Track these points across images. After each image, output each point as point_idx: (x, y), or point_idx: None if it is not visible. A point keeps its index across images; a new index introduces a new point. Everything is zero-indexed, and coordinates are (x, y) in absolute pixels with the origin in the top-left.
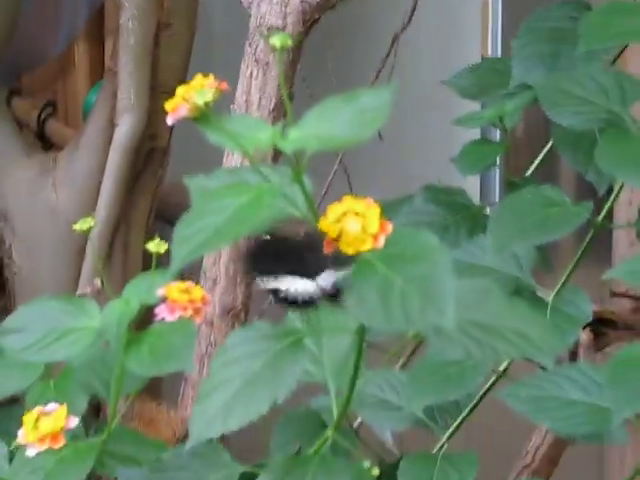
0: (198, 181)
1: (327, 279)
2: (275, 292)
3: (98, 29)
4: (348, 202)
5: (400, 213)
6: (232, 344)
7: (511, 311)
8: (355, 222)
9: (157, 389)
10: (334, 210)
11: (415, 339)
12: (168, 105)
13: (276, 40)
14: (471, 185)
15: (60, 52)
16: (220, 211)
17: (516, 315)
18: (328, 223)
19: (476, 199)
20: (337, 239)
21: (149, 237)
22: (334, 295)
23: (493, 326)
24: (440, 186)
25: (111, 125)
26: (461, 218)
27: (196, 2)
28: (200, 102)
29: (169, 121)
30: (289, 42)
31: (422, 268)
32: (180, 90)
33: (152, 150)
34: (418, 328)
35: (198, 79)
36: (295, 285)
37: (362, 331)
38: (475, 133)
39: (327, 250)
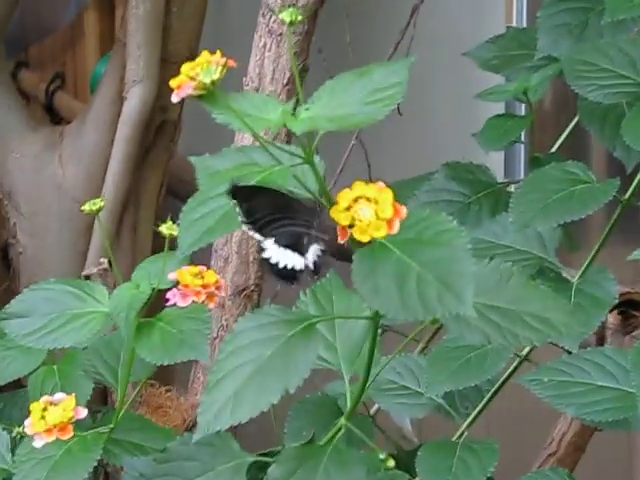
0: (205, 161)
1: (312, 254)
2: (263, 251)
3: None
4: (359, 187)
5: (420, 191)
6: (241, 330)
7: (533, 295)
8: (367, 208)
9: (168, 372)
10: (345, 197)
11: (433, 324)
12: (173, 83)
13: (286, 15)
14: (495, 162)
15: (69, 22)
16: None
17: (538, 299)
18: (339, 211)
19: (500, 177)
20: (350, 227)
21: (159, 215)
22: (315, 271)
23: (513, 311)
24: (462, 163)
25: (120, 98)
26: (483, 196)
27: None
28: (207, 81)
29: (174, 99)
30: (299, 17)
31: (439, 252)
32: (185, 67)
33: (163, 123)
34: (435, 316)
35: (204, 55)
36: (284, 257)
37: (376, 317)
38: (499, 108)
39: (341, 239)
